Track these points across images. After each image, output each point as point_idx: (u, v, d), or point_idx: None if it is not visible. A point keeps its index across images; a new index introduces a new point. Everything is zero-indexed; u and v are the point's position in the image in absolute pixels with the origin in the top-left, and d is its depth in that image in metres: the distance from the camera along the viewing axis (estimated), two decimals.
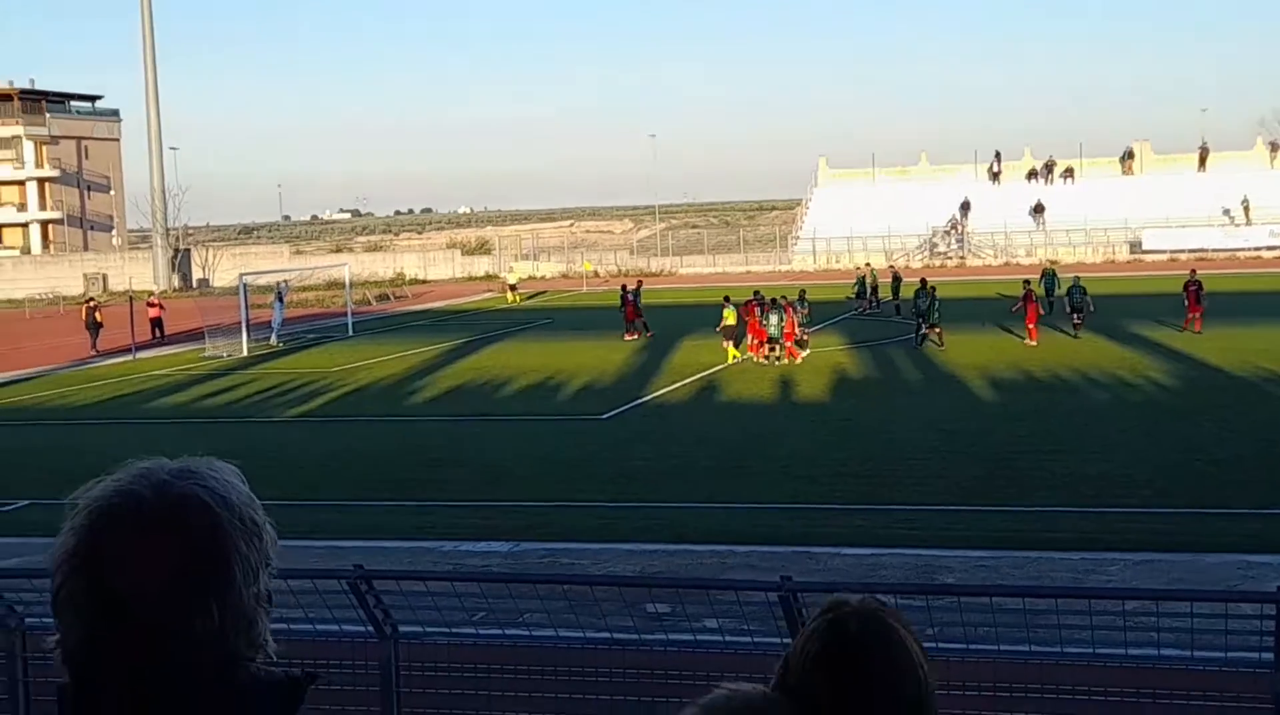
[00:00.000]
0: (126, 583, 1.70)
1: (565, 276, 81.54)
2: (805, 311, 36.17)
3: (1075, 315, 37.31)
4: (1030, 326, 36.31)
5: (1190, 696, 7.05)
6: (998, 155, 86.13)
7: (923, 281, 38.41)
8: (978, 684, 7.20)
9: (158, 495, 1.75)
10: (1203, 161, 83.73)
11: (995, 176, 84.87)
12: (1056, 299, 40.66)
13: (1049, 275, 43.28)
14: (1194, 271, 39.49)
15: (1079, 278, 39.45)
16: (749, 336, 34.88)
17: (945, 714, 6.95)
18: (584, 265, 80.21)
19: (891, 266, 56.61)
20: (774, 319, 34.02)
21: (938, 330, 36.06)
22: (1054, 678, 7.15)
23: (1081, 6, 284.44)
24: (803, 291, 38.01)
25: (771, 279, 60.85)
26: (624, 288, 43.70)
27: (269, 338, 44.72)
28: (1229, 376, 28.34)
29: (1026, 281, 39.21)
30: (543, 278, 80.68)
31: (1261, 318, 39.46)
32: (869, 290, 50.21)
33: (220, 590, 1.73)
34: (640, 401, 28.18)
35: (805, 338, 35.43)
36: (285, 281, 53.03)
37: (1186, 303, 37.46)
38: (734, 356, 34.51)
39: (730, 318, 35.07)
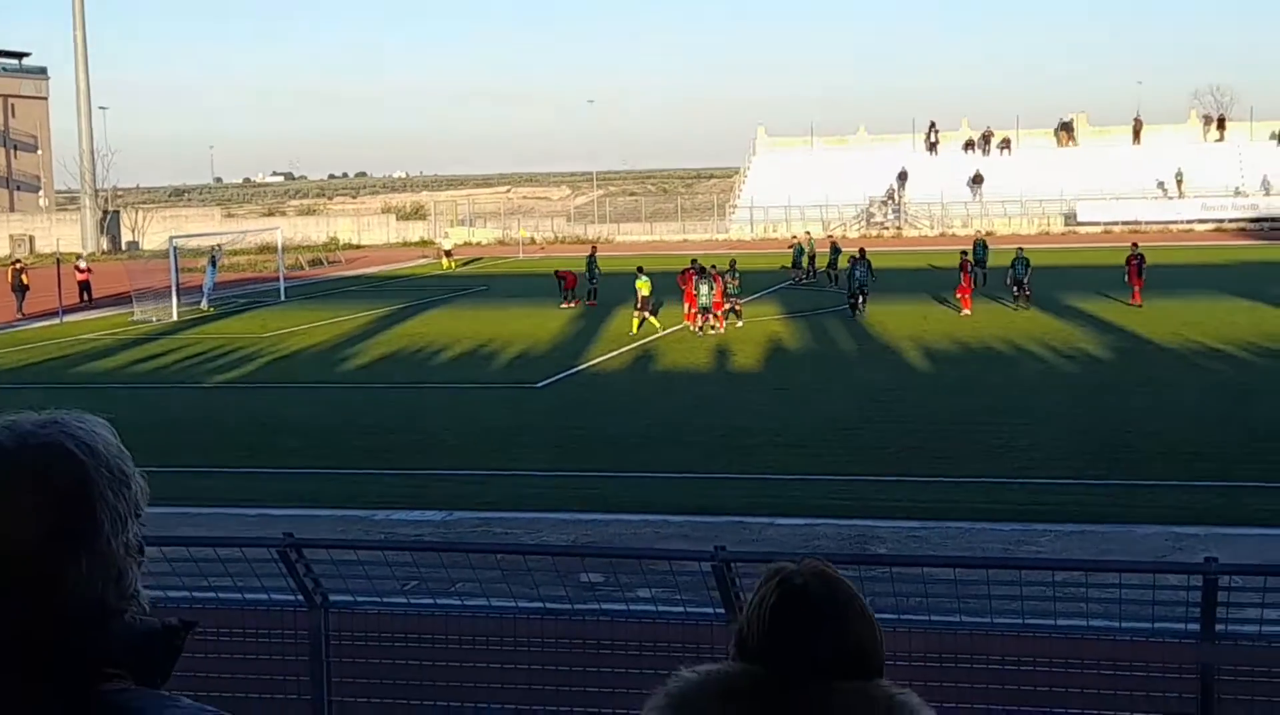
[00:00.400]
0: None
1: (502, 243, 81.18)
2: (735, 281, 35.79)
3: (1018, 288, 37.58)
4: (964, 297, 36.84)
5: (1118, 666, 7.11)
6: (933, 126, 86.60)
7: (860, 251, 38.62)
8: (909, 654, 7.23)
9: (20, 444, 1.74)
10: (1137, 134, 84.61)
11: (932, 147, 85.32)
12: (989, 271, 41.10)
13: (980, 246, 43.67)
14: (1135, 245, 39.88)
15: (1023, 249, 39.68)
16: (685, 304, 34.91)
17: None
18: (520, 232, 79.88)
19: (830, 236, 56.80)
20: (704, 288, 34.03)
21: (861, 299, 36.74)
22: (984, 648, 7.19)
23: None
24: (733, 261, 37.45)
25: (709, 248, 60.89)
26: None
27: (200, 302, 44.14)
28: (1161, 348, 28.70)
29: (963, 252, 39.82)
30: (479, 244, 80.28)
31: (1193, 290, 40.02)
32: (807, 260, 50.33)
33: (88, 539, 1.72)
34: (576, 370, 28.12)
35: (738, 307, 35.33)
36: (219, 245, 52.36)
37: (1128, 276, 37.83)
38: (637, 327, 34.17)
39: (644, 288, 34.85)
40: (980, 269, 41.38)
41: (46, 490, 1.71)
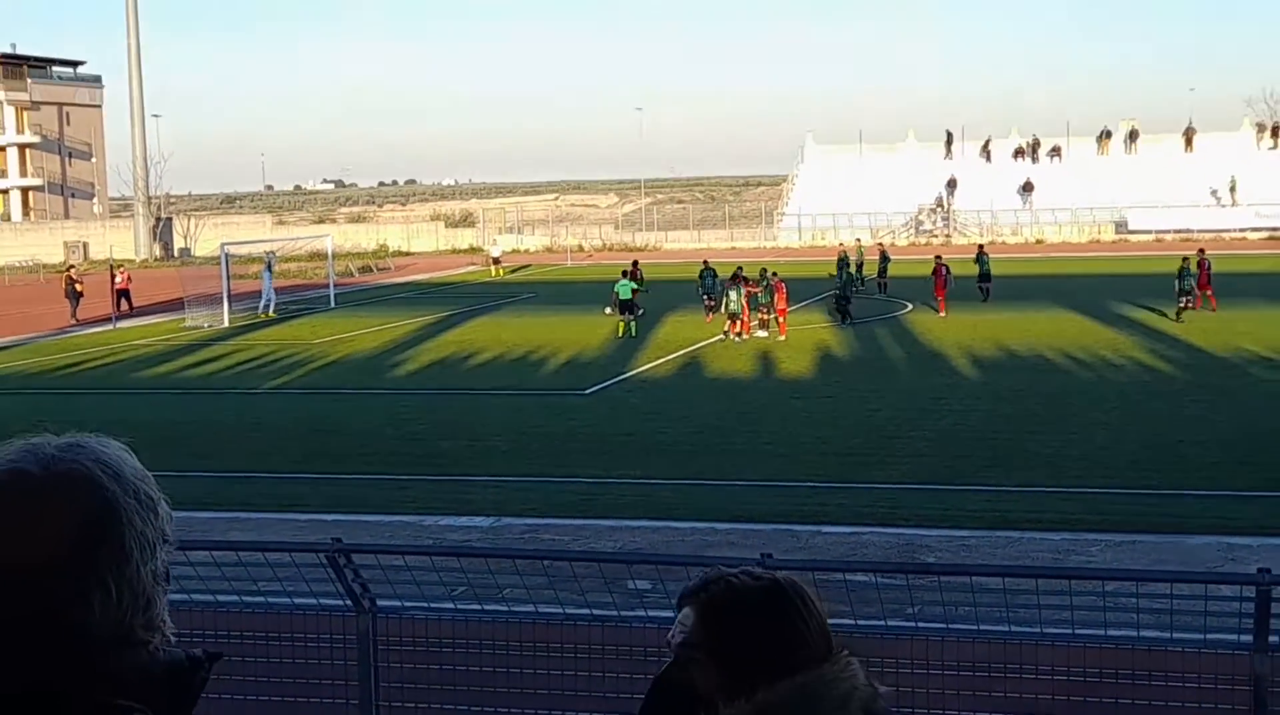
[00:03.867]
0: (13, 562, 1.63)
1: (549, 250, 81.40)
2: (760, 289, 34.66)
3: (1185, 298, 36.91)
4: (940, 298, 38.50)
5: (1169, 678, 7.05)
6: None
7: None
8: (957, 664, 7.19)
9: (45, 470, 1.68)
10: (1189, 141, 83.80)
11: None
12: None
13: (983, 257, 43.96)
14: (1202, 251, 39.93)
15: (982, 247, 41.19)
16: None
17: (924, 693, 6.92)
18: (574, 244, 79.89)
19: (879, 244, 56.57)
20: (733, 295, 33.94)
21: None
22: (1033, 658, 7.14)
23: None
24: (763, 270, 36.44)
25: (757, 255, 60.77)
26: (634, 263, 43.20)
27: (263, 308, 44.59)
28: (1213, 358, 28.39)
29: (938, 257, 41.14)
30: (527, 251, 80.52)
31: (1247, 300, 39.56)
32: (854, 267, 50.11)
33: (116, 566, 1.67)
34: (624, 377, 28.13)
35: (764, 319, 34.47)
36: (273, 252, 52.80)
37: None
38: (622, 331, 34.70)
39: (624, 292, 35.22)
40: (986, 283, 42.35)
41: (74, 517, 1.65)
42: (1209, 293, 37.48)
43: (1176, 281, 36.65)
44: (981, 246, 49.64)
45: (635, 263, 42.26)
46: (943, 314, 37.93)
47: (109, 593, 1.65)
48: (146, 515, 1.71)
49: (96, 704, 1.64)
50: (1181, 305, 35.86)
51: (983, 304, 40.68)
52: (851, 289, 39.61)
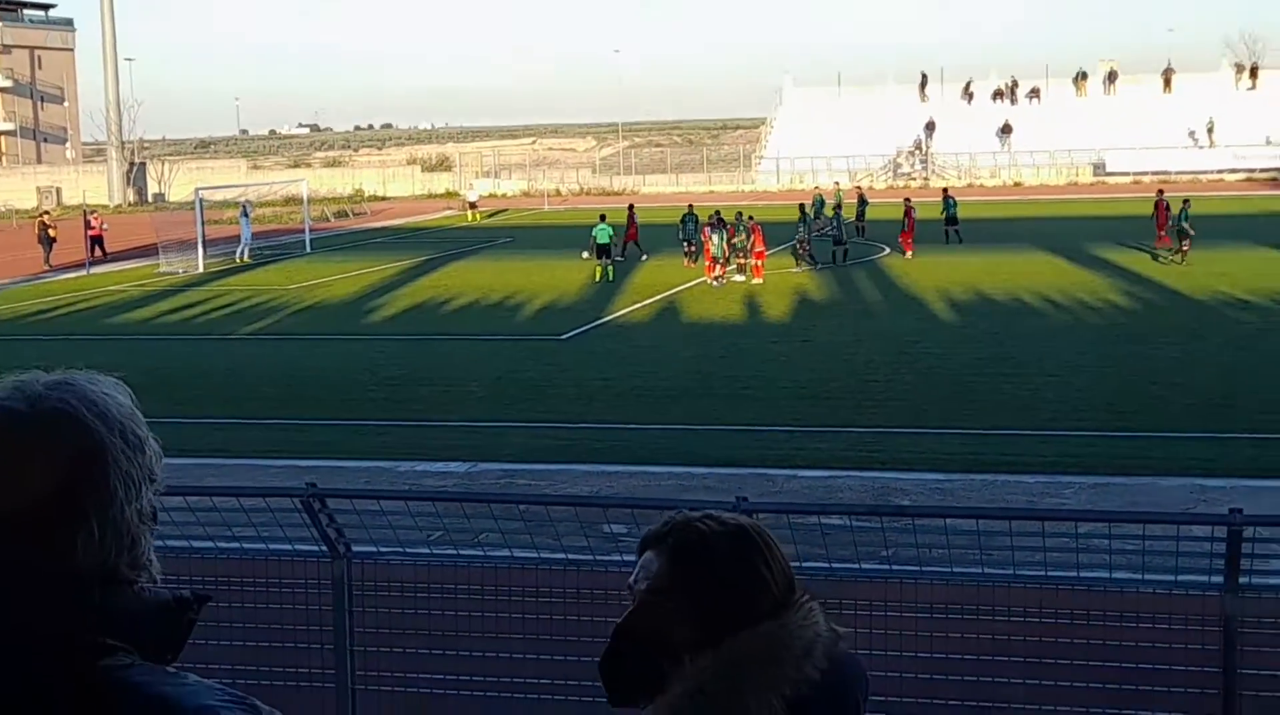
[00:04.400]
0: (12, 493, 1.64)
1: (527, 194, 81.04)
2: (742, 236, 34.55)
3: (952, 227, 40.65)
4: (905, 242, 39.24)
5: (1140, 618, 7.09)
6: (924, 78, 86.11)
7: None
8: (930, 604, 7.23)
9: (31, 407, 1.69)
10: (1168, 83, 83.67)
11: (923, 88, 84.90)
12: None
13: (950, 202, 44.22)
14: (1161, 192, 40.87)
15: (947, 189, 41.74)
16: (704, 258, 35.10)
17: (897, 635, 6.94)
18: (551, 188, 79.67)
19: (857, 188, 56.47)
20: (715, 239, 34.31)
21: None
22: (1006, 600, 7.17)
23: None
24: (739, 213, 36.21)
25: (735, 199, 60.63)
26: (630, 207, 42.96)
27: (239, 252, 44.38)
28: (1189, 300, 28.49)
29: (906, 200, 41.73)
30: (504, 196, 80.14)
31: (1223, 241, 39.62)
32: (831, 210, 50.09)
33: (100, 506, 1.67)
34: (601, 322, 28.10)
35: (741, 262, 34.54)
36: (249, 200, 52.45)
37: (1156, 221, 38.58)
38: (599, 275, 34.88)
39: (602, 237, 35.40)
40: (954, 226, 42.66)
41: (59, 455, 1.66)
42: (1162, 233, 38.12)
43: (1179, 223, 35.93)
44: (946, 189, 49.88)
45: (631, 207, 42.14)
46: (908, 255, 38.55)
47: (92, 532, 1.66)
48: (132, 454, 1.71)
49: (82, 643, 1.64)
50: (1185, 248, 35.28)
51: (956, 247, 40.86)
52: (841, 231, 39.54)
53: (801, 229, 38.80)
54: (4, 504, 1.64)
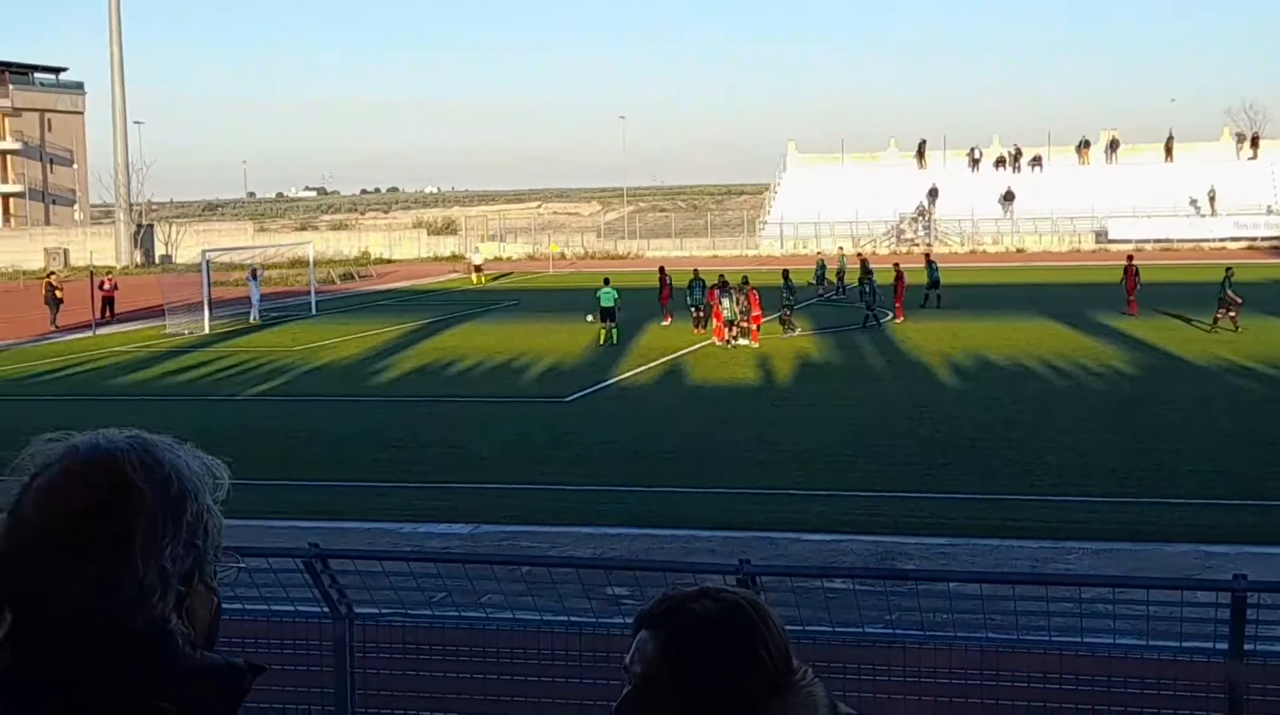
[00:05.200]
0: (34, 523, 1.68)
1: (532, 258, 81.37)
2: (745, 299, 34.60)
3: (934, 290, 41.08)
4: (898, 304, 39.94)
5: (1145, 684, 7.06)
6: (922, 144, 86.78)
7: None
8: (934, 671, 7.20)
9: (90, 450, 1.73)
10: (1169, 151, 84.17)
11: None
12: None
13: (932, 266, 44.46)
14: (1130, 257, 42.47)
15: (929, 254, 42.14)
16: (713, 320, 35.15)
17: (901, 700, 6.92)
18: (550, 247, 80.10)
19: (859, 253, 56.72)
20: (726, 302, 34.41)
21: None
22: (1010, 665, 7.15)
23: None
24: (744, 278, 36.48)
25: (738, 263, 60.83)
26: (661, 269, 42.86)
27: (253, 314, 44.77)
28: (1191, 366, 28.50)
29: (896, 264, 42.73)
30: (509, 259, 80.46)
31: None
32: (835, 275, 50.34)
33: (108, 550, 1.67)
34: (605, 384, 28.13)
35: (743, 326, 34.51)
36: (261, 265, 52.80)
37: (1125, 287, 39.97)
38: (604, 338, 34.87)
39: (606, 300, 35.41)
40: (935, 290, 43.16)
41: (85, 495, 1.68)
42: (1131, 298, 39.37)
43: (1224, 290, 35.13)
44: (928, 254, 50.30)
45: (662, 269, 41.85)
46: (899, 320, 39.13)
47: (89, 572, 1.66)
48: (168, 509, 1.71)
49: (118, 695, 1.62)
50: (1219, 315, 34.83)
51: (939, 311, 41.31)
52: (872, 296, 39.10)
53: (789, 296, 38.10)
54: (36, 526, 1.68)
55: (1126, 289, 39.79)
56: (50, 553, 1.67)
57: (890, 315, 39.59)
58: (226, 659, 1.73)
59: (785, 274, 38.85)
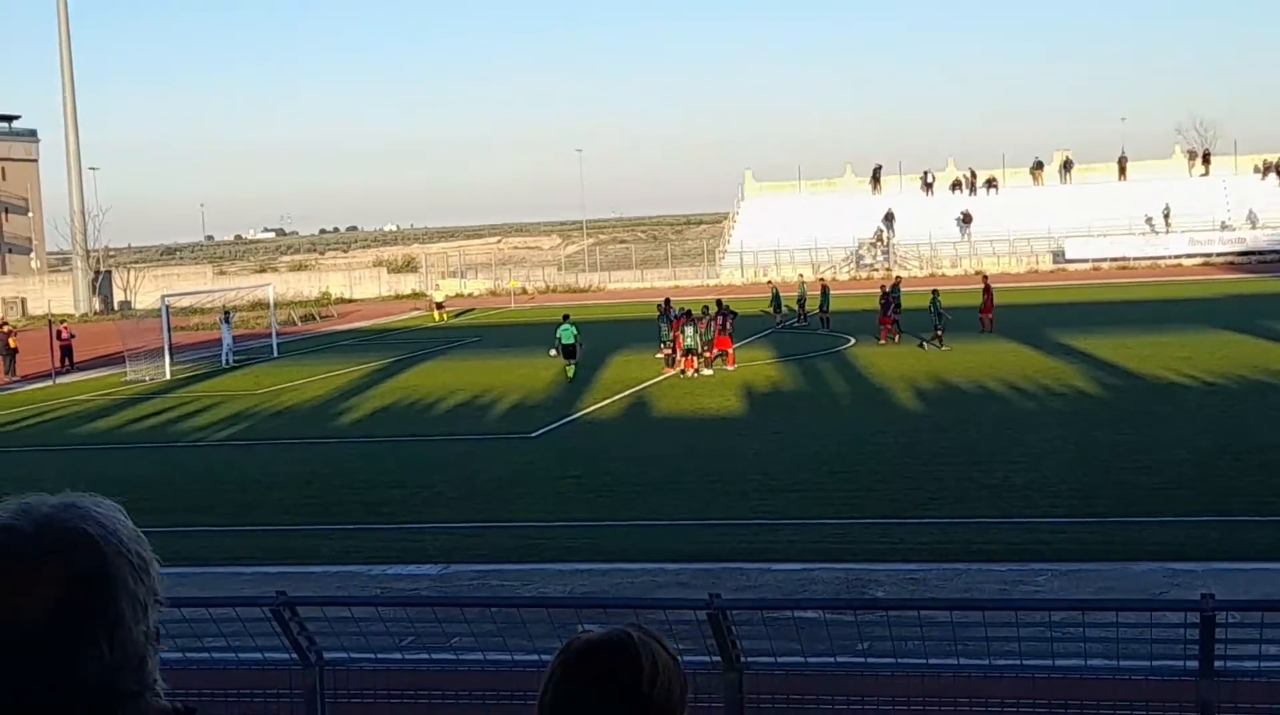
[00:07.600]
0: (8, 620, 1.64)
1: (493, 293, 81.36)
2: (704, 327, 35.19)
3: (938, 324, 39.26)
4: (884, 327, 40.81)
5: (1118, 705, 7.09)
6: (877, 170, 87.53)
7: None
8: (907, 698, 7.21)
9: (40, 530, 1.69)
10: (1123, 171, 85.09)
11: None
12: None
13: (895, 288, 43.98)
14: (985, 277, 45.71)
15: (936, 290, 40.38)
16: (676, 351, 35.21)
17: None
18: (510, 283, 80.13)
19: (820, 279, 56.95)
20: (688, 331, 34.59)
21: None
22: (983, 690, 7.17)
23: (1002, 16, 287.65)
24: (705, 307, 37.42)
25: (700, 293, 61.01)
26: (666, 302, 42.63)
27: (224, 358, 44.75)
28: (1151, 384, 28.72)
29: (882, 287, 43.15)
30: (471, 295, 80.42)
31: (1182, 325, 40.10)
32: (796, 302, 50.48)
33: (109, 627, 1.68)
34: (570, 418, 28.09)
35: (708, 356, 34.99)
36: (233, 308, 52.71)
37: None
38: (572, 374, 34.70)
39: (566, 337, 35.14)
40: (896, 313, 42.46)
41: (67, 577, 1.66)
42: (989, 317, 41.79)
43: (933, 310, 38.25)
44: (897, 281, 50.44)
45: (667, 300, 41.20)
46: (883, 342, 39.86)
47: (101, 651, 1.66)
48: (139, 575, 1.72)
49: None
50: (939, 334, 37.87)
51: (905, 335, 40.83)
52: (937, 317, 38.94)
53: (940, 317, 38.56)
54: (10, 621, 1.64)
55: (983, 309, 42.24)
56: (53, 643, 1.65)
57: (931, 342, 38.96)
58: (174, 704, 1.75)
59: (934, 293, 39.30)
